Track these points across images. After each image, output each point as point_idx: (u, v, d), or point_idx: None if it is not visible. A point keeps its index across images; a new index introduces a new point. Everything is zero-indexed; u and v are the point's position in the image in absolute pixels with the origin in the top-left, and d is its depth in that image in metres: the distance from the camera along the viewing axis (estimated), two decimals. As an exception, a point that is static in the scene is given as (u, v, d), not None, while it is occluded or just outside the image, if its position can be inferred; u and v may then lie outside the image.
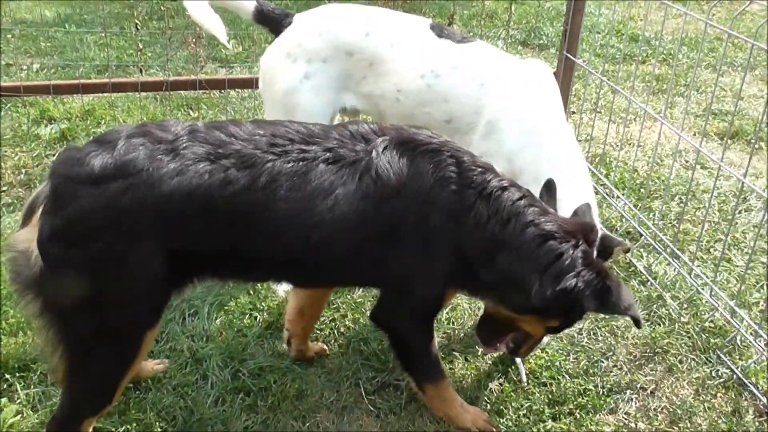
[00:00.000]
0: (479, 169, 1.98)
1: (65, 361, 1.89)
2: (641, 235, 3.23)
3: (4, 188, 3.53)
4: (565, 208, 2.35)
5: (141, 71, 4.10)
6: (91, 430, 2.09)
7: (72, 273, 1.78)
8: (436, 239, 1.96)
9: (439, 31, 2.66)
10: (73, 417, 1.99)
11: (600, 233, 2.43)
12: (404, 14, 2.83)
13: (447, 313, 2.79)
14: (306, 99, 2.63)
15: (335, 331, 2.69)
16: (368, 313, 2.74)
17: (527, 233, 1.94)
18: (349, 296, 2.83)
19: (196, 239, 1.85)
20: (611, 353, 2.67)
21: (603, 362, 2.62)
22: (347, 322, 2.73)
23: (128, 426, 2.23)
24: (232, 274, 2.09)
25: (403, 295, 2.10)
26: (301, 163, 1.87)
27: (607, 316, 2.78)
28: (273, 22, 2.75)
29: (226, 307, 2.76)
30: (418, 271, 2.02)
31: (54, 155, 3.84)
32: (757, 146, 3.90)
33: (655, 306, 2.90)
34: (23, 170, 3.68)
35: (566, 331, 2.67)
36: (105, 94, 4.18)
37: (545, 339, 2.66)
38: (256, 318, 2.72)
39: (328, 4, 2.83)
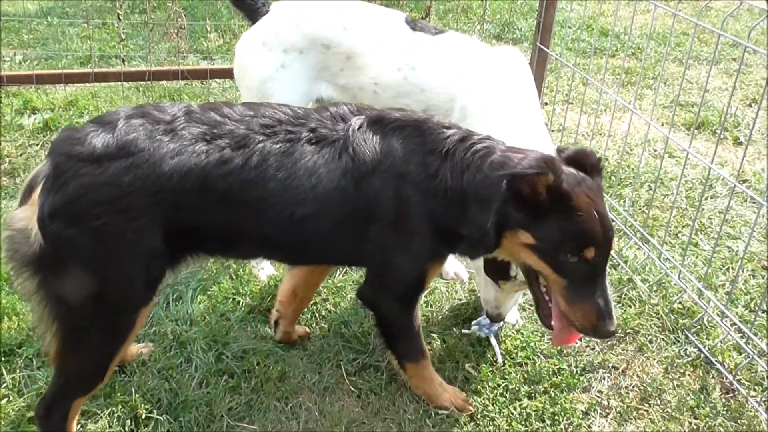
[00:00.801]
0: (438, 131, 2.02)
1: (58, 340, 1.93)
2: (612, 220, 3.34)
3: (-12, 178, 3.57)
4: None
5: (123, 62, 4.13)
6: (79, 412, 2.13)
7: (72, 250, 1.82)
8: (412, 214, 2.00)
9: (414, 25, 2.71)
10: (63, 396, 2.02)
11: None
12: (380, 8, 2.87)
13: (425, 296, 2.87)
14: (281, 88, 2.66)
15: (317, 315, 2.77)
16: (349, 297, 2.83)
17: (481, 173, 1.95)
18: (330, 280, 2.90)
19: (192, 216, 1.91)
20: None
21: (576, 343, 2.71)
22: (328, 306, 2.81)
23: (114, 408, 2.27)
24: (223, 251, 2.15)
25: (386, 274, 2.15)
26: (288, 143, 1.94)
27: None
28: (250, 8, 2.77)
29: (209, 292, 2.82)
30: (398, 249, 2.07)
31: (37, 145, 3.88)
32: (722, 136, 4.04)
33: (625, 289, 3.01)
34: (7, 159, 3.72)
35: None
36: (88, 85, 4.22)
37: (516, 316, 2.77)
38: (238, 302, 2.79)
39: None
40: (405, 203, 1.99)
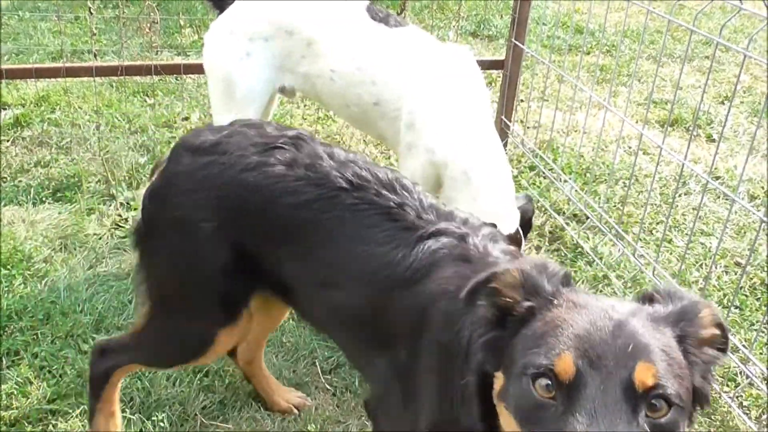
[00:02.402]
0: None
1: (143, 316, 1.94)
2: (587, 217, 3.37)
3: (-43, 174, 3.50)
4: (485, 197, 2.51)
5: (96, 57, 4.07)
6: (129, 373, 2.18)
7: (158, 234, 1.82)
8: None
9: (374, 14, 2.70)
10: (124, 352, 2.01)
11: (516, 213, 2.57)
12: None
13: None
14: (247, 76, 2.67)
15: (291, 312, 2.74)
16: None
17: None
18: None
19: (252, 236, 1.76)
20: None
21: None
22: (304, 303, 2.79)
23: (85, 407, 2.22)
24: (281, 293, 1.88)
25: (390, 401, 1.72)
26: (367, 204, 1.68)
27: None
28: None
29: (184, 290, 2.79)
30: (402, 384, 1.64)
31: (8, 141, 3.81)
32: (695, 133, 4.08)
33: (600, 285, 3.03)
34: (-24, 155, 3.65)
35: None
36: (59, 80, 4.15)
37: None
38: (214, 300, 2.76)
39: None
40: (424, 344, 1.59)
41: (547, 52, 5.31)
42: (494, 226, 2.43)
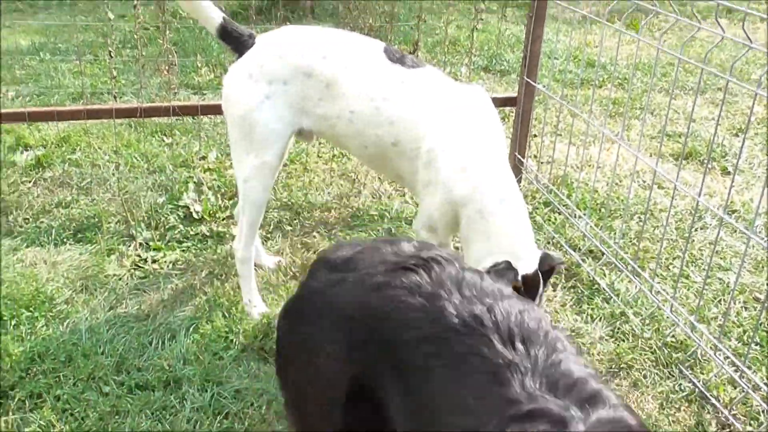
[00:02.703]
0: None
1: None
2: (603, 253, 3.37)
3: (-20, 216, 3.57)
4: (501, 236, 2.56)
5: (115, 98, 4.16)
6: None
7: (289, 353, 1.73)
8: None
9: (391, 55, 2.73)
10: None
11: (540, 254, 2.59)
12: (360, 37, 2.89)
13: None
14: (265, 118, 2.70)
15: None
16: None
17: None
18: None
19: (369, 364, 1.55)
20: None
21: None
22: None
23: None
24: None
25: None
26: (475, 356, 1.42)
27: (574, 335, 2.90)
28: (236, 41, 2.79)
29: (202, 330, 2.82)
30: None
31: (30, 182, 3.89)
32: (709, 166, 4.09)
33: (618, 322, 3.02)
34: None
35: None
36: (80, 121, 4.24)
37: None
38: (232, 341, 2.78)
39: (290, 26, 2.88)
40: None
41: (559, 86, 5.36)
42: (510, 264, 2.45)
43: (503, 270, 2.40)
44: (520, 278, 2.43)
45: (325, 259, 1.71)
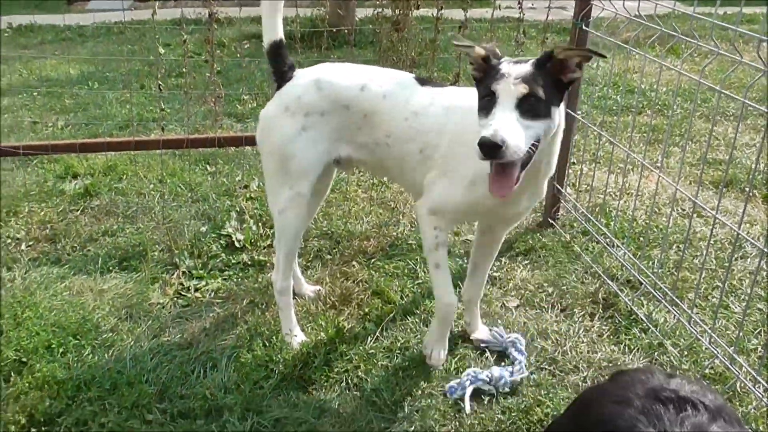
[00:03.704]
0: None
1: None
2: (641, 283, 3.35)
3: (30, 243, 3.70)
4: None
5: (162, 129, 4.30)
6: None
7: None
8: None
9: (422, 82, 2.82)
10: None
11: None
12: (392, 71, 2.96)
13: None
14: (303, 149, 2.77)
15: (349, 381, 2.81)
16: (380, 364, 2.86)
17: None
18: (361, 347, 2.95)
19: None
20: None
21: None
22: (360, 373, 2.84)
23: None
24: None
25: None
26: None
27: (611, 366, 2.89)
28: (279, 67, 2.87)
29: (243, 359, 2.88)
30: None
31: (78, 210, 4.03)
32: (750, 194, 4.04)
33: (656, 353, 3.00)
34: (49, 225, 3.85)
35: (572, 379, 2.80)
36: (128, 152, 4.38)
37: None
38: (272, 370, 2.83)
39: (326, 63, 2.97)
40: None
41: (599, 113, 5.35)
42: None
43: None
44: None
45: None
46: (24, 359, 2.80)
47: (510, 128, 2.16)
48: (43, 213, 3.97)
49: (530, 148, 2.24)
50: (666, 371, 1.55)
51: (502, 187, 2.28)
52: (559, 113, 2.31)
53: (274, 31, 2.84)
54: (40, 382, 2.69)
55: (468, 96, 2.73)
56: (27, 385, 2.68)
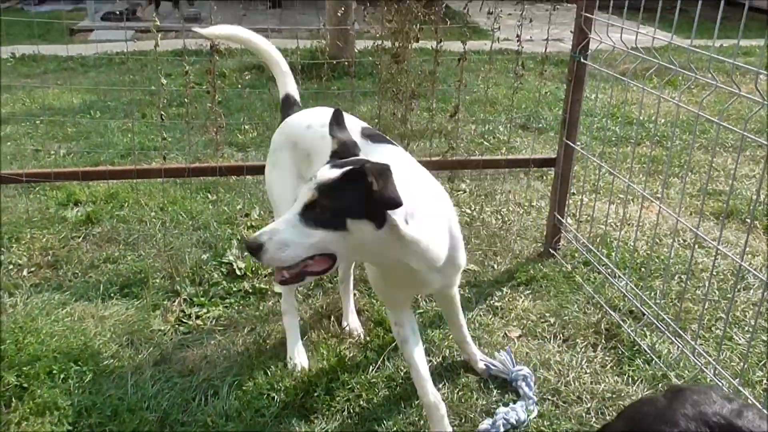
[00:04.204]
0: None
1: None
2: (644, 314, 3.35)
3: (32, 269, 3.69)
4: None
5: (164, 158, 4.32)
6: None
7: None
8: None
9: (365, 132, 2.74)
10: None
11: None
12: (348, 116, 2.83)
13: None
14: (277, 181, 3.01)
15: (351, 411, 2.78)
16: (381, 393, 2.84)
17: None
18: (363, 376, 2.93)
19: None
20: None
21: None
22: (362, 402, 2.82)
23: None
24: None
25: None
26: None
27: (614, 397, 2.87)
28: (285, 111, 3.17)
29: (244, 387, 2.86)
30: None
31: (80, 237, 4.03)
32: (752, 225, 4.05)
33: (660, 385, 2.98)
34: (50, 252, 3.85)
35: (575, 410, 2.77)
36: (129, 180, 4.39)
37: None
38: (273, 398, 2.81)
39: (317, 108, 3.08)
40: None
41: (597, 144, 5.39)
42: None
43: None
44: None
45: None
46: (25, 384, 2.78)
47: (282, 234, 2.05)
48: (45, 239, 3.97)
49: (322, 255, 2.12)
50: (725, 393, 1.52)
51: (281, 276, 2.17)
52: (368, 224, 2.08)
53: (284, 87, 3.22)
54: (41, 407, 2.67)
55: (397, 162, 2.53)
56: (28, 410, 2.66)
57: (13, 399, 2.72)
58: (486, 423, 2.71)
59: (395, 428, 2.68)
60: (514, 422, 2.70)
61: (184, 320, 3.31)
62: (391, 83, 5.48)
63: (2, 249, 3.87)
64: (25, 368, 2.84)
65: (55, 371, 2.86)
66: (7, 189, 4.51)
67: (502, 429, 2.67)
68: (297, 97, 3.25)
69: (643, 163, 5.23)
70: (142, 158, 5.13)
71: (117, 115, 6.37)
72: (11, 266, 3.72)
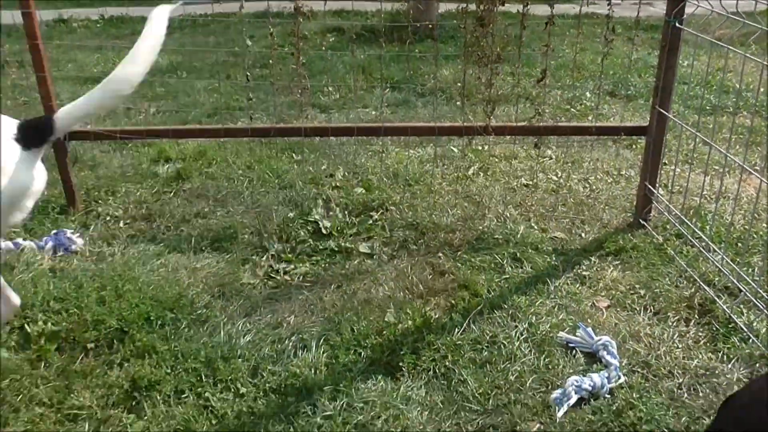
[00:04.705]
0: None
1: None
2: (740, 291, 3.23)
3: (128, 221, 3.83)
4: None
5: (250, 118, 4.39)
6: None
7: None
8: None
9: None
10: None
11: None
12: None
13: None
14: None
15: (437, 371, 2.79)
16: (467, 356, 2.84)
17: None
18: (448, 338, 2.93)
19: None
20: (713, 410, 2.66)
21: (704, 419, 2.61)
22: (447, 363, 2.82)
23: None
24: None
25: None
26: None
27: (708, 374, 2.79)
28: None
29: (332, 342, 2.90)
30: None
31: (171, 192, 4.14)
32: None
33: (758, 365, 2.88)
34: (144, 205, 3.99)
35: (666, 384, 2.71)
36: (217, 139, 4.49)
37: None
38: (360, 354, 2.85)
39: None
40: None
41: (690, 113, 5.18)
42: None
43: None
44: None
45: None
46: (125, 329, 2.90)
47: None
48: (138, 193, 4.11)
49: None
50: None
51: None
52: None
53: None
54: (141, 350, 2.79)
55: None
56: (129, 352, 2.78)
57: (115, 342, 2.85)
58: (557, 392, 2.68)
59: (480, 390, 2.67)
60: (589, 388, 2.66)
61: (273, 275, 3.37)
62: (476, 46, 5.39)
63: (99, 201, 4.03)
64: (125, 313, 2.96)
65: (152, 318, 2.97)
66: (102, 145, 4.68)
67: (574, 395, 2.64)
68: None
69: (740, 134, 5.01)
70: (227, 118, 5.23)
71: (203, 75, 6.49)
72: (108, 217, 3.87)
